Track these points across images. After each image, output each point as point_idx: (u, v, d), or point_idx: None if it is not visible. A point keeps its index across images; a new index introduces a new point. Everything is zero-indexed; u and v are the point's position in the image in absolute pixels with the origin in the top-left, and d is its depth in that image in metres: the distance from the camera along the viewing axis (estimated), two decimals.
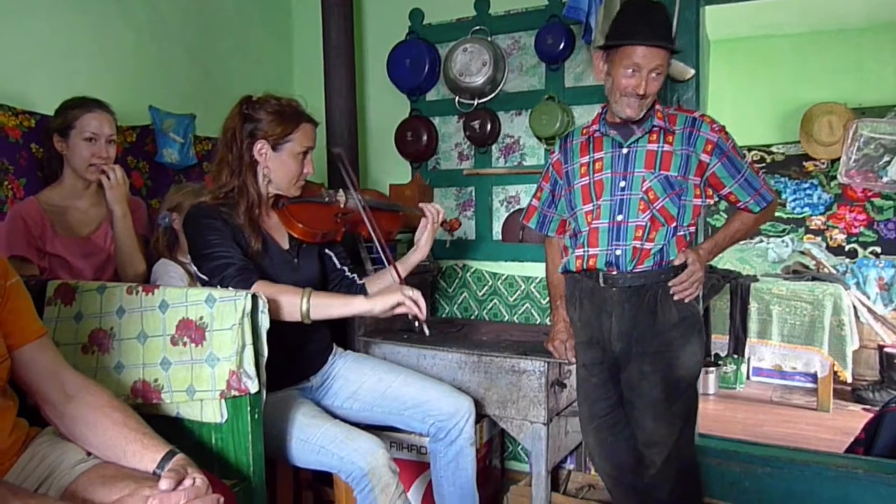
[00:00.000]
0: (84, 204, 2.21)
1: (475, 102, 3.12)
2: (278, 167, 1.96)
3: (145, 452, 1.33)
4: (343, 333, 2.57)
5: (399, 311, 1.87)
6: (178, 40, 2.91)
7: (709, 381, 4.66)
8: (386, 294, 1.88)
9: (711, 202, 2.26)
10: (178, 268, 2.25)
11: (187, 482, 1.22)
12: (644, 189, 2.00)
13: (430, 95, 3.30)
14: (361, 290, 2.24)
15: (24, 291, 1.43)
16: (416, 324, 1.89)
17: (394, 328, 2.74)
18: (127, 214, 2.18)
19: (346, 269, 2.26)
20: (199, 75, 3.01)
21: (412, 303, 1.85)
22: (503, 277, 3.16)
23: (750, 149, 5.50)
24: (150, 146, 2.68)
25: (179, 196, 2.35)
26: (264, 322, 1.64)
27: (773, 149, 5.57)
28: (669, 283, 2.01)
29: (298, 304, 1.79)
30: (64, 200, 2.17)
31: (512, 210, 3.12)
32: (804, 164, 5.46)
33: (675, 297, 2.01)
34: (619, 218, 2.03)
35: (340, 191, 2.19)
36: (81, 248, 2.17)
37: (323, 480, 2.26)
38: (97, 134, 2.12)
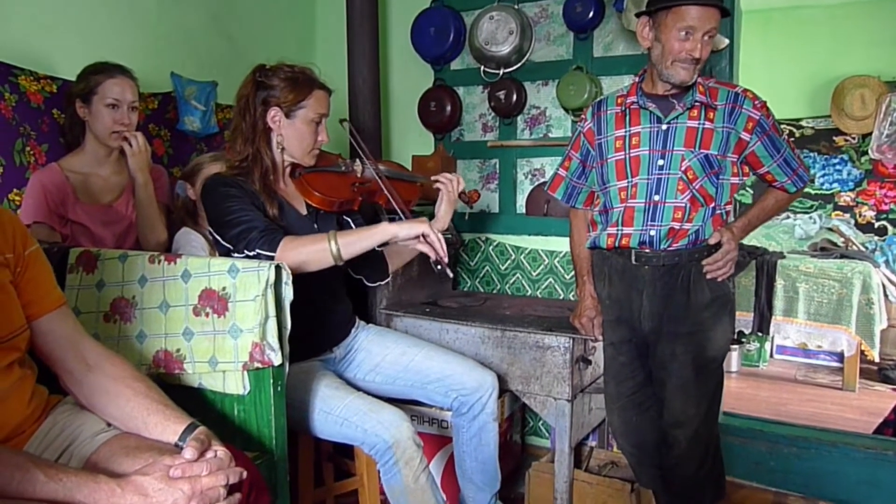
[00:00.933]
0: (106, 171, 2.20)
1: (501, 72, 3.05)
2: (292, 134, 1.95)
3: (167, 424, 1.31)
4: (365, 307, 2.55)
5: (420, 247, 1.86)
6: (201, 6, 2.86)
7: (731, 358, 4.60)
8: (413, 221, 1.87)
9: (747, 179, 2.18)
10: (200, 237, 2.23)
11: (210, 454, 1.21)
12: (683, 168, 1.93)
13: (455, 65, 3.23)
14: (381, 259, 2.24)
15: (43, 259, 1.40)
16: (438, 267, 1.87)
17: (416, 301, 2.71)
18: (149, 182, 2.16)
19: None
20: (222, 42, 2.96)
21: (435, 239, 1.83)
22: (526, 251, 3.11)
23: (779, 123, 5.36)
24: (172, 114, 2.65)
25: (195, 163, 2.34)
26: (288, 294, 1.61)
27: (803, 122, 5.43)
28: (703, 263, 1.96)
29: (328, 248, 1.77)
30: (86, 167, 2.16)
31: (537, 183, 3.06)
32: (834, 138, 5.31)
33: (709, 276, 1.96)
34: (657, 198, 1.96)
35: (357, 160, 2.18)
36: (103, 216, 2.15)
37: (343, 453, 2.25)
38: (119, 100, 2.10)
